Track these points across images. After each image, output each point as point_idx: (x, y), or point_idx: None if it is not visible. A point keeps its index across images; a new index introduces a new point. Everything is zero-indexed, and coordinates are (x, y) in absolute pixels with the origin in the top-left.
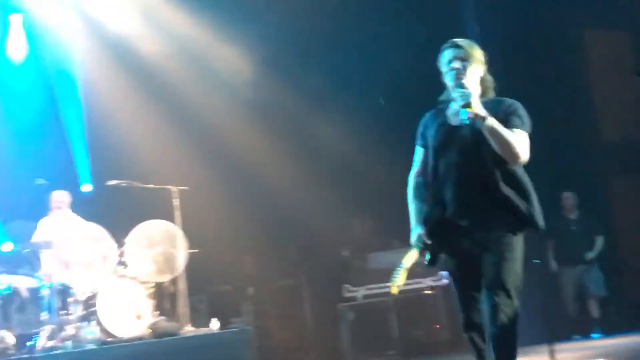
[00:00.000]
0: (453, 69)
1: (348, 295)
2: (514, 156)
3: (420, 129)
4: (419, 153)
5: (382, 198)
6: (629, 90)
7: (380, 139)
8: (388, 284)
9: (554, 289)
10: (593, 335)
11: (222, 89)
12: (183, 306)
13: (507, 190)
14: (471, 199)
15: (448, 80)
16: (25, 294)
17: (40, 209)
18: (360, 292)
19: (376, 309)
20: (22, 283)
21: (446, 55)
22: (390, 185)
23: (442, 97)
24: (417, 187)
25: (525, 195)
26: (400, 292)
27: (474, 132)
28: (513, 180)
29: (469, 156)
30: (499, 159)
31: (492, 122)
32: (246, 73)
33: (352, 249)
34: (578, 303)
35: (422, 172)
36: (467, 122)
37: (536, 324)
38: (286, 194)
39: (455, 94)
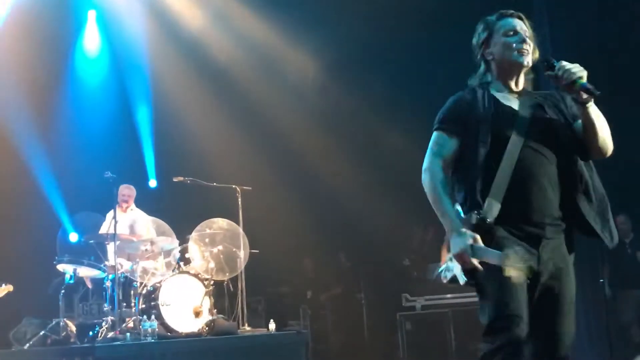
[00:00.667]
0: (523, 41)
1: (406, 304)
2: (609, 147)
3: (450, 113)
4: (446, 142)
5: None
6: None
7: None
8: (447, 295)
9: (612, 314)
10: None
11: (290, 92)
12: (241, 306)
13: (583, 198)
14: (546, 207)
15: (506, 48)
16: (89, 284)
17: (108, 202)
18: (419, 302)
19: (434, 320)
20: (87, 273)
21: (510, 24)
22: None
23: (479, 77)
24: (446, 183)
25: (602, 209)
26: (459, 303)
27: (543, 118)
28: (587, 185)
29: (543, 148)
30: (574, 154)
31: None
32: (314, 77)
33: (412, 259)
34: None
35: (454, 165)
36: (587, 96)
37: (598, 347)
38: (349, 200)
39: (564, 66)
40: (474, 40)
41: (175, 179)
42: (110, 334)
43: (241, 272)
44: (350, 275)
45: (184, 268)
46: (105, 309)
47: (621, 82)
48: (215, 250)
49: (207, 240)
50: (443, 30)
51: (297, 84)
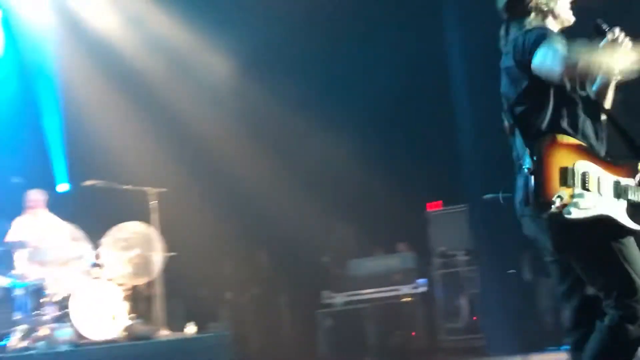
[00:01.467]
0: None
1: (327, 301)
2: None
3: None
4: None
5: (362, 205)
6: None
7: (362, 146)
8: (368, 291)
9: (529, 300)
10: (565, 347)
11: (204, 92)
12: (159, 309)
13: None
14: None
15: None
16: None
17: (16, 208)
18: (339, 298)
19: (354, 316)
20: None
21: None
22: (370, 192)
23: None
24: None
25: None
26: (378, 298)
27: None
28: None
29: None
30: None
31: None
32: (228, 77)
33: (331, 255)
34: (554, 314)
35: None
36: None
37: (511, 334)
38: (266, 199)
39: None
40: None
41: (85, 183)
42: (23, 343)
43: (158, 276)
44: (269, 274)
45: (98, 273)
46: (15, 318)
47: None
48: (130, 254)
49: (121, 244)
50: (356, 32)
51: (212, 84)
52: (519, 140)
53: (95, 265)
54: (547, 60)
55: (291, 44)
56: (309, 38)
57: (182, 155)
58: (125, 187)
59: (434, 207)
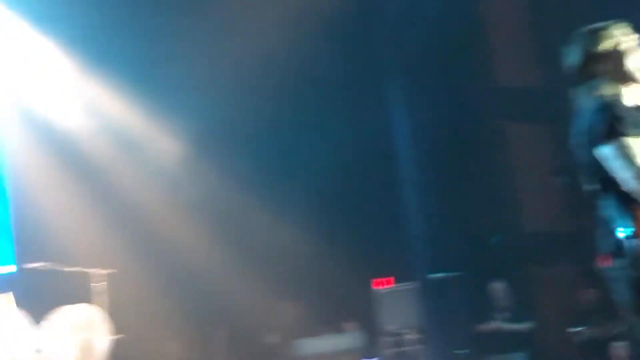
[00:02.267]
0: None
1: None
2: None
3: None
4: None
5: (309, 282)
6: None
7: (309, 222)
8: None
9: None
10: None
11: (149, 170)
12: None
13: None
14: None
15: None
16: None
17: None
18: None
19: None
20: None
21: (620, 32)
22: (317, 269)
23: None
24: None
25: None
26: None
27: None
28: None
29: None
30: None
31: None
32: (177, 157)
33: (280, 335)
34: None
35: None
36: None
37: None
38: (214, 278)
39: None
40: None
41: (26, 266)
42: None
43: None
44: (217, 355)
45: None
46: None
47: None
48: (75, 338)
49: (66, 328)
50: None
51: (159, 163)
52: (611, 204)
53: (39, 351)
54: (616, 167)
55: (241, 121)
56: (257, 114)
57: (129, 236)
58: (68, 269)
59: (382, 284)
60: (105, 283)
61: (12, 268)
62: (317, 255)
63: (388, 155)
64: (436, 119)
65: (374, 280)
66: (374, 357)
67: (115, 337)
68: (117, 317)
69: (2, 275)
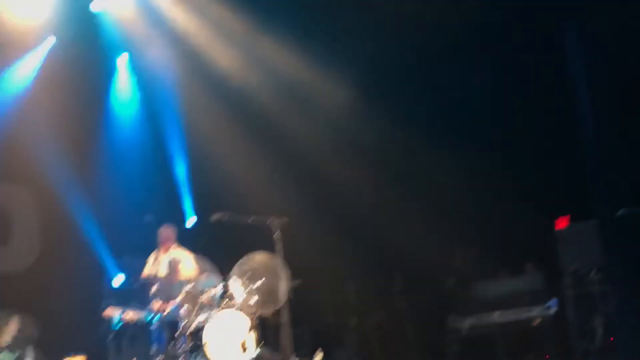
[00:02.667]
0: None
1: (453, 325)
2: None
3: None
4: None
5: (486, 225)
6: None
7: (486, 165)
8: (495, 313)
9: None
10: None
11: (323, 121)
12: (287, 337)
13: None
14: None
15: None
16: (135, 327)
17: (149, 244)
18: (466, 322)
19: (483, 340)
20: (133, 317)
21: None
22: (495, 211)
23: None
24: None
25: None
26: (508, 321)
27: None
28: None
29: None
30: None
31: None
32: (346, 105)
33: (457, 278)
34: None
35: None
36: None
37: None
38: (390, 224)
39: None
40: None
41: (213, 217)
42: None
43: (285, 304)
44: (394, 299)
45: (227, 304)
46: (152, 351)
47: None
48: (257, 284)
49: (248, 275)
50: (475, 49)
51: (330, 113)
52: None
53: (224, 296)
54: None
55: (413, 66)
56: (426, 59)
57: (305, 185)
58: (249, 218)
59: (562, 224)
60: (283, 230)
61: (192, 220)
62: (495, 197)
63: (567, 91)
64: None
65: (555, 219)
66: (556, 299)
67: (293, 282)
68: (296, 263)
69: (187, 228)
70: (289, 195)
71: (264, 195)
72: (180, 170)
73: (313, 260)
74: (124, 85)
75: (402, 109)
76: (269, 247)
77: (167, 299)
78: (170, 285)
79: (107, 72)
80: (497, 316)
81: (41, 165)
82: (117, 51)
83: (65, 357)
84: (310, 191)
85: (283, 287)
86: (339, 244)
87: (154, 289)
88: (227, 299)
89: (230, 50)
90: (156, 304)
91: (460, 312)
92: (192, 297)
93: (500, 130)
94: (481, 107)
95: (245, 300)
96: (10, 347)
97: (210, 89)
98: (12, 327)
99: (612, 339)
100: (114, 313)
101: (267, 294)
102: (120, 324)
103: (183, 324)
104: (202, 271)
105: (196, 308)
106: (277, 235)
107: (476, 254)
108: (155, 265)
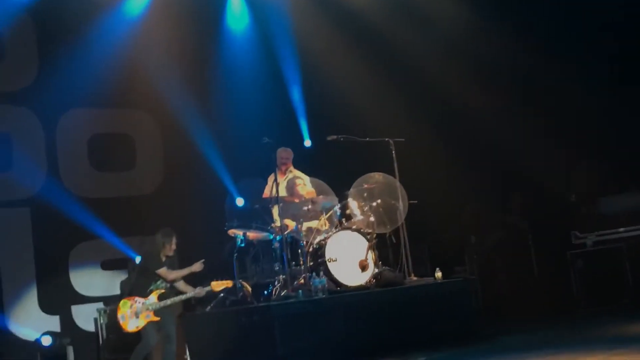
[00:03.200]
0: None
1: (576, 242)
2: None
3: None
4: None
5: (612, 137)
6: None
7: (615, 78)
8: (620, 229)
9: None
10: None
11: (438, 40)
12: (405, 256)
13: None
14: None
15: None
16: (258, 246)
17: (268, 166)
18: (590, 238)
19: (608, 256)
20: (256, 236)
21: None
22: (621, 123)
23: None
24: None
25: None
26: (635, 237)
27: None
28: None
29: None
30: None
31: None
32: (464, 22)
33: (580, 194)
34: None
35: None
36: None
37: None
38: (508, 140)
39: None
40: None
41: (329, 138)
42: (283, 292)
43: (402, 223)
44: (514, 216)
45: (346, 224)
46: (276, 268)
47: None
48: (374, 204)
49: (365, 195)
50: None
51: (447, 29)
52: None
53: (343, 216)
54: None
55: None
56: None
57: (419, 104)
58: (365, 139)
59: None
60: (399, 151)
61: (307, 143)
62: (622, 108)
63: None
64: None
65: None
66: None
67: (411, 201)
68: (413, 182)
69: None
70: (406, 115)
71: (381, 116)
72: (296, 93)
73: (431, 180)
74: (238, 9)
75: (522, 23)
76: (386, 167)
77: (288, 219)
78: (290, 205)
79: None
80: (622, 232)
81: (162, 91)
82: None
83: (212, 281)
84: (427, 111)
85: (400, 206)
86: (457, 163)
87: (274, 209)
88: (346, 219)
89: None
90: (277, 224)
91: (584, 229)
92: (312, 217)
93: (628, 39)
94: (606, 19)
95: (363, 220)
96: (169, 263)
97: (325, 9)
98: (174, 243)
99: None
100: (238, 232)
101: (385, 214)
102: (244, 244)
103: (304, 243)
104: (319, 192)
105: (315, 228)
106: (393, 155)
107: (600, 168)
108: (274, 186)
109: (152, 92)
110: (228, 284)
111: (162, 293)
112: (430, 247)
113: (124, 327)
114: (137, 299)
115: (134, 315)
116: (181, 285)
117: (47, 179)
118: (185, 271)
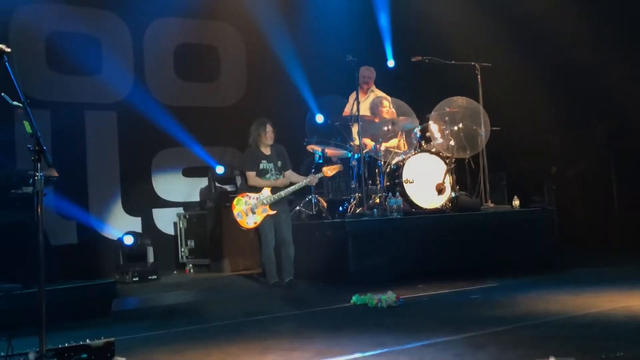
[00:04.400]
0: None
1: None
2: None
3: None
4: None
5: None
6: None
7: None
8: None
9: None
10: None
11: None
12: (483, 183)
13: None
14: None
15: None
16: (337, 162)
17: (350, 84)
18: None
19: None
20: (334, 153)
21: None
22: None
23: None
24: None
25: None
26: None
27: None
28: None
29: None
30: None
31: None
32: None
33: None
34: None
35: None
36: None
37: None
38: (594, 72)
39: None
40: None
41: (413, 59)
42: (358, 210)
43: (482, 150)
44: (598, 149)
45: (425, 147)
46: (352, 186)
47: None
48: (455, 128)
49: (447, 118)
50: None
51: None
52: None
53: (423, 138)
54: None
55: None
56: None
57: (507, 30)
58: (450, 62)
59: None
60: (484, 76)
61: (391, 63)
62: None
63: None
64: None
65: None
66: None
67: (493, 128)
68: (496, 108)
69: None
70: (493, 40)
71: (467, 39)
72: (383, 12)
73: (514, 108)
74: None
75: None
76: (469, 92)
77: (367, 138)
78: (370, 124)
79: None
80: None
81: (248, 4)
82: None
83: (323, 167)
84: (514, 38)
85: (482, 132)
86: (541, 92)
87: (354, 127)
88: (425, 142)
89: None
90: (356, 143)
91: None
92: (392, 138)
93: None
94: None
95: (443, 144)
96: (277, 157)
97: None
98: (270, 131)
99: None
100: (317, 148)
101: (466, 139)
102: (322, 160)
103: (382, 163)
104: (400, 113)
105: (395, 148)
106: (478, 80)
107: None
108: (355, 104)
109: (238, 5)
110: (339, 167)
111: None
112: (509, 176)
113: (241, 224)
114: (250, 194)
115: (250, 211)
116: (292, 176)
117: (134, 86)
118: (279, 182)
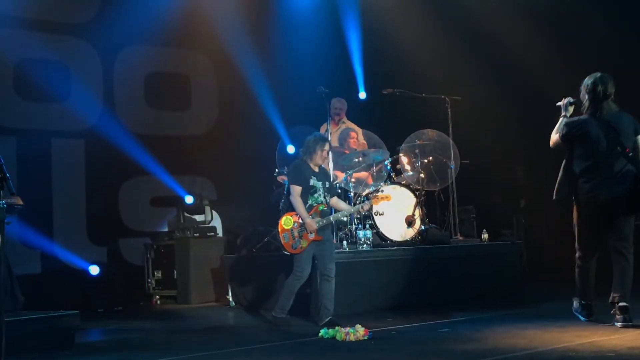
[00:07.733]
0: None
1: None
2: None
3: None
4: None
5: None
6: None
7: None
8: None
9: None
10: None
11: None
12: (453, 216)
13: None
14: None
15: None
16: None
17: (321, 115)
18: None
19: None
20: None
21: None
22: None
23: None
24: None
25: None
26: None
27: None
28: None
29: None
30: None
31: None
32: None
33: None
34: None
35: None
36: None
37: None
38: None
39: None
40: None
41: (384, 91)
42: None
43: (452, 182)
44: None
45: (395, 179)
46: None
47: None
48: (425, 160)
49: (417, 151)
50: None
51: None
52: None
53: (393, 170)
54: None
55: None
56: None
57: (476, 63)
58: (420, 95)
59: None
60: (453, 109)
61: (362, 95)
62: None
63: None
64: None
65: None
66: None
67: (462, 161)
68: (465, 141)
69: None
70: (461, 74)
71: (437, 73)
72: (354, 44)
73: (484, 141)
74: None
75: None
76: (439, 124)
77: (337, 170)
78: (340, 156)
79: None
80: None
81: (220, 34)
82: None
83: (372, 197)
84: (484, 71)
85: (452, 165)
86: (510, 125)
87: None
88: (395, 174)
89: None
90: None
91: None
92: (362, 169)
93: None
94: None
95: (414, 176)
96: (321, 177)
97: None
98: (326, 151)
99: None
100: (287, 179)
101: (435, 171)
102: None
103: (352, 194)
104: (371, 145)
105: (364, 180)
106: (448, 113)
107: None
108: (327, 135)
109: (210, 34)
110: (388, 197)
111: (324, 209)
112: (478, 209)
113: (286, 247)
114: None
115: (298, 235)
116: (339, 203)
117: (102, 113)
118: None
